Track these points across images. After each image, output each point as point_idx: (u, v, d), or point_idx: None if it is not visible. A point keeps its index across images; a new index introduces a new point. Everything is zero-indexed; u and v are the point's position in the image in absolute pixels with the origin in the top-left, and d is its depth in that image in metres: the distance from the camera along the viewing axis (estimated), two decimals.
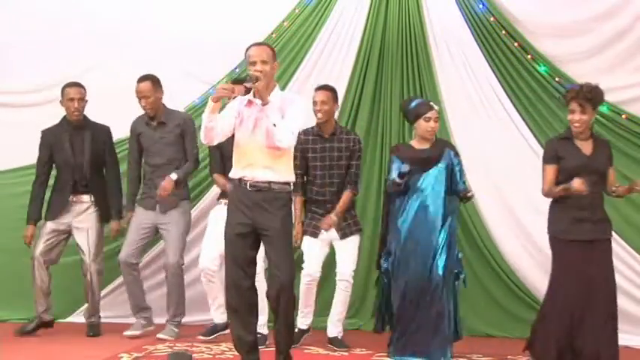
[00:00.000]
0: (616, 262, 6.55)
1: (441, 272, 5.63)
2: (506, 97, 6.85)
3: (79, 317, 6.87)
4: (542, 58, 6.79)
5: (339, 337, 6.12)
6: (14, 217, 6.62)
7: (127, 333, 6.28)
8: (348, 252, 6.13)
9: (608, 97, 6.63)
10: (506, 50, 6.85)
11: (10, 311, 6.92)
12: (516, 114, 6.82)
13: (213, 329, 6.20)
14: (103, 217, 6.46)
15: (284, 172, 4.88)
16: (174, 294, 6.31)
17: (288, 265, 4.82)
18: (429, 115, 5.78)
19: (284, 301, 4.79)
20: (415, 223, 5.70)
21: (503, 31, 6.84)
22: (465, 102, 6.92)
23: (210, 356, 5.65)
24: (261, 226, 4.81)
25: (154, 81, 6.32)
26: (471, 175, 6.85)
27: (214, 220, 6.15)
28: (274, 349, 4.96)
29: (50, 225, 6.38)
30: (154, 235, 6.47)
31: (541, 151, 6.71)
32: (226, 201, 6.03)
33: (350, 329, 6.82)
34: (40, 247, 6.34)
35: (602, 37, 6.71)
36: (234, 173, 4.91)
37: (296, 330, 5.69)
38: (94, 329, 6.41)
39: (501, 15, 6.84)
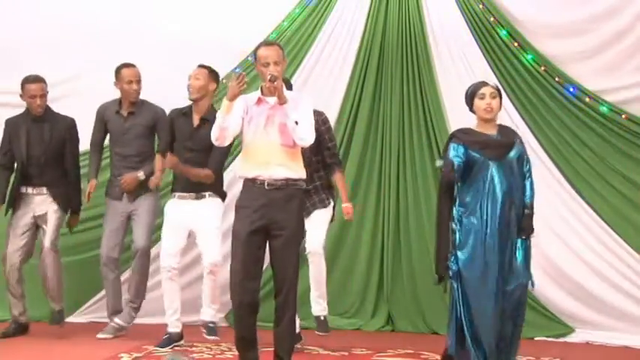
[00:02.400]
0: (616, 262, 6.61)
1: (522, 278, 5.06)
2: (506, 97, 6.84)
3: (79, 317, 6.87)
4: (542, 58, 6.79)
5: (322, 318, 5.88)
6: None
7: (100, 335, 6.24)
8: (313, 225, 5.76)
9: (608, 97, 6.69)
10: (506, 50, 6.85)
11: (10, 311, 6.91)
12: (516, 114, 6.82)
13: (169, 340, 6.00)
14: (63, 208, 6.38)
15: (298, 169, 4.87)
16: (138, 277, 6.27)
17: (295, 265, 4.82)
18: (482, 91, 5.18)
19: (289, 303, 4.79)
20: (493, 219, 5.01)
21: (503, 31, 6.84)
22: (465, 102, 6.90)
23: (210, 356, 5.64)
24: (277, 225, 4.78)
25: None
26: None
27: (170, 215, 6.08)
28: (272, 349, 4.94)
29: (18, 220, 6.34)
30: (128, 223, 6.40)
31: (541, 151, 6.77)
32: (179, 194, 6.05)
33: (350, 329, 6.83)
34: (12, 244, 6.30)
35: (602, 37, 6.71)
36: (245, 172, 4.88)
37: None
38: (54, 317, 6.34)
39: (501, 15, 6.84)
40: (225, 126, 4.80)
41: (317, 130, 5.70)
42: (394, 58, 7.02)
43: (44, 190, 6.35)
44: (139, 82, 6.36)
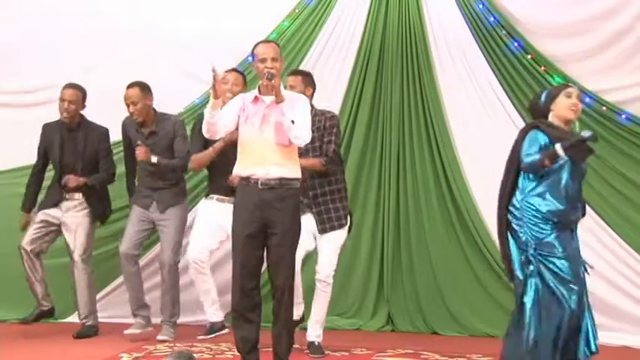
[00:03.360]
0: (616, 262, 6.61)
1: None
2: (506, 97, 6.85)
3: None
4: (542, 58, 6.79)
5: (316, 344, 5.80)
6: (14, 218, 6.61)
7: (128, 332, 6.24)
8: (327, 250, 5.76)
9: (608, 97, 6.69)
10: (506, 50, 6.85)
11: (11, 311, 6.92)
12: (516, 114, 6.82)
13: (212, 328, 6.15)
14: (95, 217, 6.44)
15: (293, 168, 4.87)
16: (170, 293, 6.27)
17: (291, 265, 4.82)
18: (569, 90, 4.90)
19: (285, 302, 4.79)
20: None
21: (504, 31, 6.84)
22: (465, 102, 6.92)
23: (210, 356, 5.64)
24: (272, 225, 4.79)
25: (143, 87, 6.26)
26: (470, 175, 6.90)
27: (207, 214, 6.10)
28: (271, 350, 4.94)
29: (40, 215, 6.40)
30: (152, 231, 6.43)
31: None
32: (218, 196, 6.05)
33: (350, 329, 6.84)
34: (27, 236, 6.34)
35: (602, 37, 6.71)
36: (240, 171, 4.88)
37: None
38: (84, 330, 6.36)
39: (501, 15, 6.84)
40: (213, 121, 4.83)
41: (323, 127, 5.76)
42: (394, 58, 7.02)
43: (76, 195, 6.38)
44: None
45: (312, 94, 5.87)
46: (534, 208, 4.76)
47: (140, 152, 6.16)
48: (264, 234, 4.82)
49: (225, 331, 6.09)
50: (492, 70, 6.85)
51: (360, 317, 6.98)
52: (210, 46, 6.96)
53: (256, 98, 4.88)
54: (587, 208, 6.66)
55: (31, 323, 6.37)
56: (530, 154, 4.74)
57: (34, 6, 7.27)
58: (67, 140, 6.40)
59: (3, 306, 6.96)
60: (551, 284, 4.68)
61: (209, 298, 6.12)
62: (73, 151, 6.38)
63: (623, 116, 6.67)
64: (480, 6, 6.87)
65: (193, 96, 7.10)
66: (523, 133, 4.86)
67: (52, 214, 6.39)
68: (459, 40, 6.90)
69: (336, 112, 6.85)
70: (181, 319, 6.54)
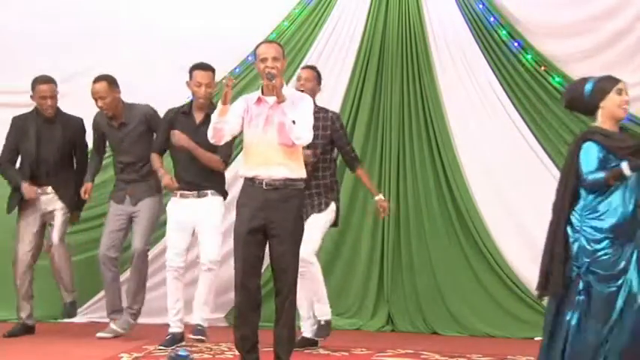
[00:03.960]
0: None
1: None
2: (506, 97, 6.85)
3: (79, 317, 6.85)
4: (542, 58, 6.79)
5: (322, 322, 5.90)
6: (12, 218, 6.58)
7: (100, 335, 6.24)
8: (307, 231, 5.62)
9: None
10: (506, 50, 6.85)
11: (11, 311, 6.88)
12: (516, 114, 6.83)
13: (173, 339, 5.95)
14: (69, 207, 6.42)
15: (297, 169, 4.87)
16: (136, 281, 6.26)
17: (295, 266, 4.82)
18: (619, 86, 4.56)
19: (288, 303, 4.79)
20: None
21: (504, 31, 6.84)
22: (465, 102, 6.93)
23: (210, 356, 5.64)
24: (274, 225, 4.78)
25: (110, 81, 6.26)
26: (470, 175, 6.90)
27: (173, 214, 6.05)
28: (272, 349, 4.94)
29: (25, 224, 6.37)
30: (129, 225, 6.40)
31: (541, 151, 6.77)
32: (181, 192, 5.99)
33: (350, 329, 6.84)
34: (25, 246, 6.33)
35: (602, 37, 6.71)
36: (245, 172, 4.88)
37: None
38: (67, 310, 6.40)
39: (501, 15, 6.85)
40: (220, 127, 4.83)
41: (331, 127, 5.88)
42: (394, 58, 7.02)
43: (49, 189, 6.37)
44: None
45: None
46: (593, 224, 4.41)
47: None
48: (265, 234, 4.82)
49: (183, 342, 5.95)
50: (492, 70, 6.86)
51: (360, 317, 6.98)
52: (210, 45, 6.96)
53: (259, 99, 4.88)
54: None
55: (16, 336, 6.31)
56: (592, 172, 4.37)
57: (34, 6, 7.26)
58: (44, 132, 6.35)
59: (3, 306, 6.95)
60: (597, 304, 4.37)
61: (176, 307, 6.00)
62: (49, 143, 6.34)
63: None
64: (480, 6, 6.87)
65: None
66: (578, 144, 4.47)
67: (33, 215, 6.36)
68: (459, 40, 6.91)
69: (336, 111, 6.86)
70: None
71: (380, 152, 7.04)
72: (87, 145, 6.55)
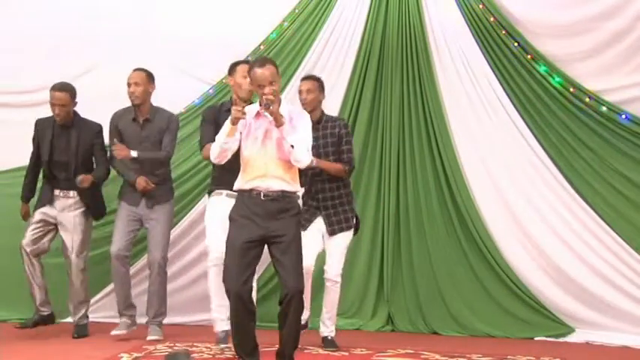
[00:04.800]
0: (616, 262, 6.61)
1: None
2: (506, 97, 6.85)
3: None
4: (542, 58, 6.79)
5: (329, 338, 5.98)
6: (14, 217, 6.60)
7: (114, 332, 6.24)
8: (335, 250, 5.93)
9: (608, 97, 6.69)
10: (506, 50, 6.85)
11: (11, 311, 6.92)
12: (516, 114, 6.83)
13: (227, 337, 5.88)
14: (90, 215, 6.40)
15: (293, 182, 4.91)
16: (160, 292, 6.25)
17: (299, 272, 4.81)
18: None
19: (294, 308, 4.78)
20: None
21: (503, 31, 6.84)
22: (465, 102, 6.93)
23: (210, 356, 5.64)
24: (276, 234, 4.80)
25: (149, 74, 6.29)
26: (470, 174, 6.90)
27: (220, 210, 5.84)
28: (275, 349, 4.95)
29: (37, 215, 6.36)
30: (142, 227, 6.39)
31: (541, 151, 6.78)
32: (228, 192, 5.76)
33: (350, 329, 6.83)
34: (27, 236, 6.31)
35: (602, 37, 6.71)
36: (241, 185, 4.90)
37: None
38: (79, 330, 6.35)
39: (501, 15, 6.85)
40: (227, 147, 4.86)
41: (337, 135, 5.90)
42: (394, 58, 7.02)
43: (71, 193, 6.35)
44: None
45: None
46: None
47: (119, 150, 6.14)
48: (263, 243, 4.84)
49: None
50: (492, 70, 6.86)
51: (360, 317, 6.98)
52: (210, 46, 6.98)
53: (258, 114, 4.89)
54: (587, 207, 6.72)
55: (29, 328, 6.33)
56: None
57: (35, 6, 7.26)
58: (59, 137, 6.35)
59: (3, 306, 6.95)
60: None
61: (224, 302, 5.70)
62: (65, 149, 6.34)
63: (623, 116, 6.67)
64: (480, 6, 6.87)
65: (193, 96, 7.10)
66: None
67: (48, 212, 6.36)
68: (459, 40, 6.91)
69: (336, 112, 6.87)
70: (181, 319, 6.55)
71: (380, 152, 7.04)
72: (105, 151, 6.49)
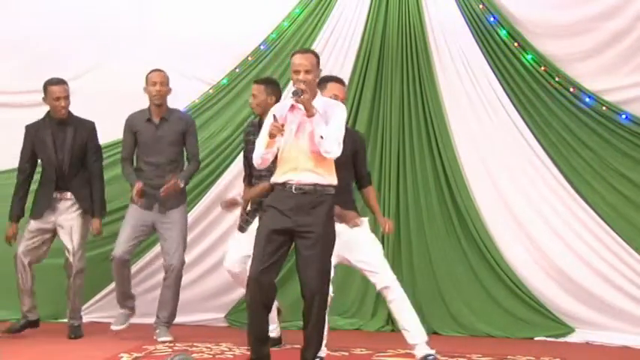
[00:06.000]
0: (616, 262, 6.61)
1: None
2: (506, 97, 6.85)
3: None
4: (542, 58, 6.79)
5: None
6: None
7: (114, 327, 6.26)
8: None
9: (608, 97, 6.69)
10: (506, 50, 6.85)
11: (11, 311, 6.90)
12: (516, 114, 6.83)
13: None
14: (87, 214, 6.36)
15: (328, 175, 4.88)
16: (175, 297, 6.24)
17: (321, 271, 4.79)
18: None
19: (317, 305, 4.77)
20: None
21: (504, 31, 6.84)
22: (465, 102, 6.92)
23: (210, 356, 5.64)
24: (304, 229, 4.78)
25: (168, 77, 6.31)
26: (470, 174, 6.90)
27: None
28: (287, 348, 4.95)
29: (34, 224, 6.33)
30: (149, 235, 6.41)
31: (541, 151, 6.78)
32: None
33: (350, 329, 6.83)
34: (23, 245, 6.29)
35: (602, 37, 6.72)
36: (276, 178, 4.90)
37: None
38: (74, 331, 6.33)
39: (501, 15, 6.85)
40: (268, 157, 4.89)
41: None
42: (394, 58, 7.02)
43: (68, 194, 6.33)
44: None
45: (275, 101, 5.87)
46: None
47: (167, 190, 6.09)
48: (291, 237, 4.82)
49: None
50: (492, 70, 6.86)
51: (360, 317, 6.98)
52: (210, 46, 6.98)
53: (293, 106, 4.90)
54: (587, 207, 6.72)
55: (17, 332, 6.33)
56: None
57: (34, 6, 7.26)
58: (59, 135, 6.32)
59: (3, 306, 6.95)
60: None
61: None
62: (61, 147, 6.31)
63: (623, 116, 6.67)
64: (480, 6, 6.87)
65: (194, 96, 7.10)
66: None
67: (45, 219, 6.31)
68: (459, 40, 6.91)
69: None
70: (181, 319, 6.54)
71: (380, 152, 7.04)
72: (99, 149, 6.48)
